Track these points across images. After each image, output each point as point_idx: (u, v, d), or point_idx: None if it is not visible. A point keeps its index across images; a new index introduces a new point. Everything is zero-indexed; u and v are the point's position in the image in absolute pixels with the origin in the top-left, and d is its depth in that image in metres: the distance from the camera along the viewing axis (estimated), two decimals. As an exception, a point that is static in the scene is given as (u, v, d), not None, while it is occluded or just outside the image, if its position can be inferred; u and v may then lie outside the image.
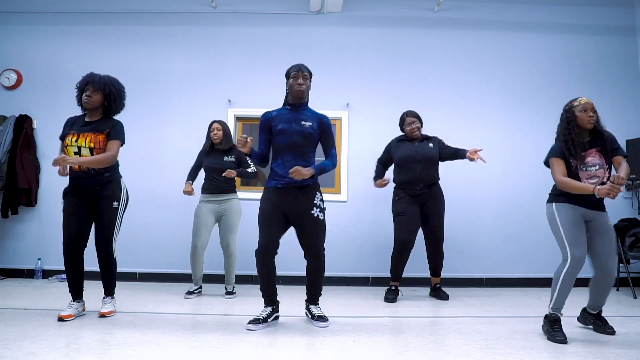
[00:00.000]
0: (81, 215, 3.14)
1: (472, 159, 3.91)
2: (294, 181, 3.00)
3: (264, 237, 3.00)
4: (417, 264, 4.49)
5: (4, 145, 4.96)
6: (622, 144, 5.19)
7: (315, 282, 3.21)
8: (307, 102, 3.20)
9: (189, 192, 4.14)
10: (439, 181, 4.19)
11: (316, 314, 3.14)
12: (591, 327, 3.07)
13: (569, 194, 2.85)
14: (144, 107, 5.18)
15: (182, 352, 2.41)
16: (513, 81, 5.33)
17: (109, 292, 3.30)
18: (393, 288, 4.15)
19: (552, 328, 2.78)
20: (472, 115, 5.25)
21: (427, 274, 4.36)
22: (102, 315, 3.13)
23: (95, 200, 3.17)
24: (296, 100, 3.12)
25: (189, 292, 4.12)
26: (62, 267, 4.87)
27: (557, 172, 2.87)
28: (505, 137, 5.24)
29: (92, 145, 3.10)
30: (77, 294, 3.19)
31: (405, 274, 4.22)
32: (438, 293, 4.23)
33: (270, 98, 5.22)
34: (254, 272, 3.21)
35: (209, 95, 5.23)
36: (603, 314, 3.03)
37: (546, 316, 2.88)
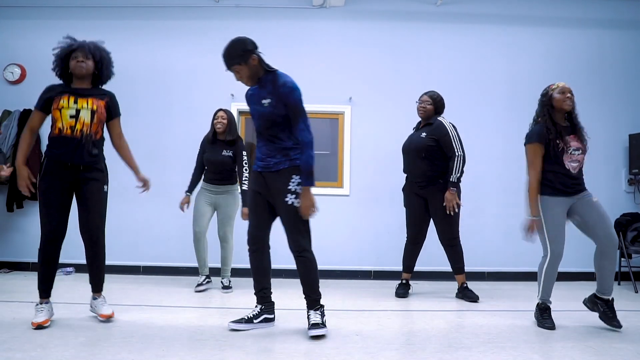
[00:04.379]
0: (64, 205, 2.81)
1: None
2: (269, 164, 2.71)
3: (249, 227, 2.82)
4: (420, 258, 4.50)
5: (9, 139, 4.99)
6: (625, 138, 5.20)
7: (305, 281, 2.75)
8: (269, 70, 2.75)
9: (183, 205, 4.21)
10: (444, 173, 3.87)
11: (311, 321, 2.70)
12: (597, 313, 2.97)
13: (554, 184, 2.93)
14: (146, 101, 5.19)
15: (184, 351, 2.44)
16: (516, 75, 5.31)
17: (101, 288, 2.98)
18: (404, 282, 4.07)
19: (542, 316, 2.98)
20: (475, 109, 5.24)
21: (429, 268, 4.39)
22: (108, 319, 2.86)
23: (79, 181, 2.83)
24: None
25: (199, 285, 4.16)
26: (67, 260, 4.97)
27: (532, 164, 2.96)
28: (508, 132, 5.23)
29: (94, 107, 2.82)
30: (48, 292, 2.86)
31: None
32: (465, 293, 3.91)
33: (273, 92, 5.24)
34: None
35: (212, 89, 5.23)
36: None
37: (537, 305, 3.06)
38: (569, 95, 2.94)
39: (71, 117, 2.78)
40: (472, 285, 4.65)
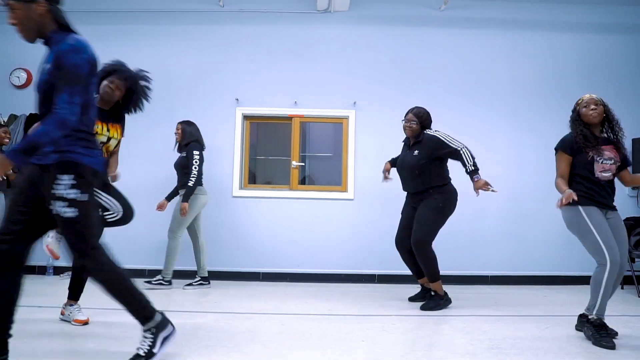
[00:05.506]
0: None
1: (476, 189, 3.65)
2: (37, 157, 1.98)
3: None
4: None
5: (15, 144, 5.02)
6: (628, 143, 5.20)
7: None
8: (65, 30, 2.05)
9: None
10: (439, 186, 3.79)
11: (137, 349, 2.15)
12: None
13: (590, 194, 2.84)
14: (150, 106, 5.15)
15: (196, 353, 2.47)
16: (519, 80, 5.33)
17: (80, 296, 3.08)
18: (420, 289, 4.06)
19: (599, 334, 2.68)
20: (478, 113, 5.26)
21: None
22: (86, 323, 2.96)
23: None
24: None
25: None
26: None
27: (558, 169, 2.96)
28: (511, 136, 5.26)
29: (119, 137, 3.04)
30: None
31: (406, 272, 4.19)
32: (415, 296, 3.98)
33: (277, 96, 5.28)
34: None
35: (217, 94, 5.27)
36: (607, 314, 2.88)
37: (590, 321, 2.75)
38: (593, 107, 2.89)
39: (101, 143, 2.89)
40: (475, 289, 4.70)
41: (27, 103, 5.22)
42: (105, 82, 2.87)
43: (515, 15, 5.41)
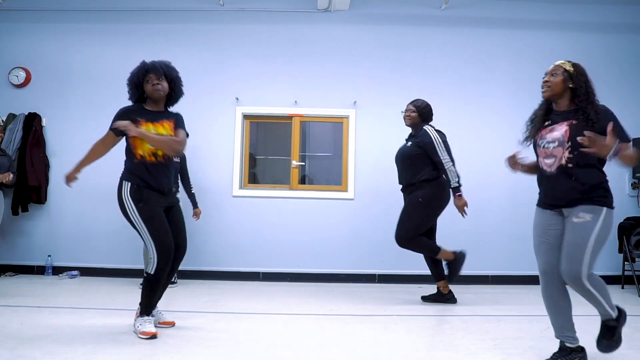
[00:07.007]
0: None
1: None
2: None
3: None
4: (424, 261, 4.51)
5: (13, 143, 5.00)
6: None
7: None
8: None
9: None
10: (428, 180, 3.80)
11: None
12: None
13: (542, 194, 2.46)
14: (152, 105, 5.20)
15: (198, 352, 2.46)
16: (520, 79, 5.31)
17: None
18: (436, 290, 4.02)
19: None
20: (479, 113, 5.25)
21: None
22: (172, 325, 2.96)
23: (168, 205, 2.88)
24: None
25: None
26: (72, 264, 5.03)
27: None
28: (512, 135, 5.20)
29: (172, 134, 2.82)
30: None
31: (412, 271, 4.20)
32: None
33: (278, 96, 5.26)
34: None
35: (217, 93, 5.25)
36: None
37: None
38: (545, 79, 2.32)
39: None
40: (476, 288, 4.69)
41: (26, 102, 5.20)
42: (147, 85, 2.80)
43: (515, 14, 5.39)
